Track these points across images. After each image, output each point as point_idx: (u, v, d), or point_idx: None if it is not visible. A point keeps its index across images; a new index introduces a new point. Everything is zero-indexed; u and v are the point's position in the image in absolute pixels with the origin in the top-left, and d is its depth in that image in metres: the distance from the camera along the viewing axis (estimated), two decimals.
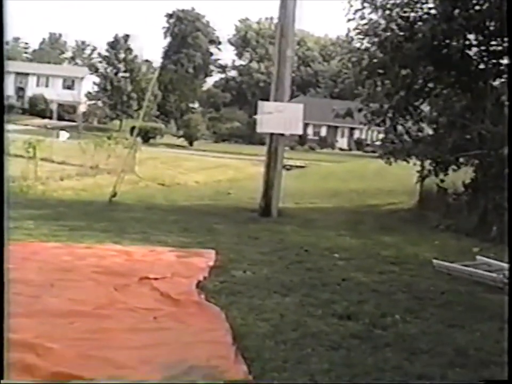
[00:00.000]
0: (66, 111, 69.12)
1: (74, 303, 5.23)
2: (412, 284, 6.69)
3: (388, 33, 13.12)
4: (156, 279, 6.16)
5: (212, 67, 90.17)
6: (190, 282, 6.09)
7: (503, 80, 12.92)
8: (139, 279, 6.11)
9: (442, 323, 5.27)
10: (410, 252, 8.80)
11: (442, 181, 12.77)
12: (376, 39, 13.46)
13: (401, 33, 13.05)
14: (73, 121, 65.06)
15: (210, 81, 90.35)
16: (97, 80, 71.38)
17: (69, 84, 75.05)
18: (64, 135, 44.77)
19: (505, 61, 13.23)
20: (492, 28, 12.62)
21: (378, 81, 13.85)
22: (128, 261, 7.05)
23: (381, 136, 15.50)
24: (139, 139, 29.75)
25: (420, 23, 12.82)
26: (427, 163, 13.09)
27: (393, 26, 13.14)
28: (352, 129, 65.16)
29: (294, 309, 5.50)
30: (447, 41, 12.61)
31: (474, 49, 13.22)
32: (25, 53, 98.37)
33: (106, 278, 6.10)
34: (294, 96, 47.58)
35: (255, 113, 13.84)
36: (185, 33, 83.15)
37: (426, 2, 13.14)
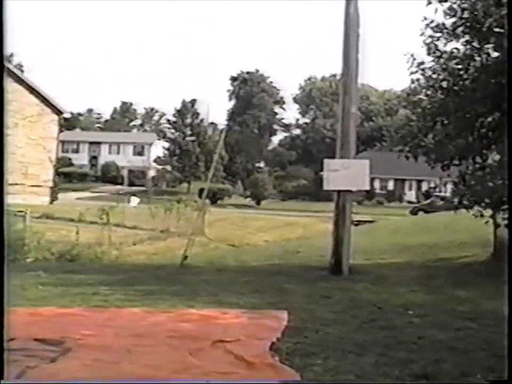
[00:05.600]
0: (136, 177, 71.28)
1: (150, 368, 5.29)
2: (492, 341, 6.46)
3: (450, 83, 13.11)
4: (229, 342, 6.17)
5: (276, 126, 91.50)
6: (264, 345, 6.07)
7: None
8: (212, 343, 6.14)
9: None
10: (487, 307, 8.52)
11: None
12: (439, 89, 13.48)
13: (463, 81, 13.03)
14: (143, 186, 66.87)
15: (275, 140, 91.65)
16: (164, 145, 73.61)
17: (139, 150, 77.62)
18: (135, 200, 45.96)
19: None
20: None
21: (441, 127, 13.76)
22: (201, 324, 7.11)
23: (450, 187, 15.27)
24: (207, 201, 30.25)
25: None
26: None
27: (456, 77, 13.13)
28: (419, 181, 64.40)
29: (370, 369, 5.40)
30: None
31: None
32: (98, 123, 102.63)
33: (181, 342, 6.15)
34: (359, 151, 47.67)
35: (321, 170, 13.91)
36: (250, 95, 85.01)
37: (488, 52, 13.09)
